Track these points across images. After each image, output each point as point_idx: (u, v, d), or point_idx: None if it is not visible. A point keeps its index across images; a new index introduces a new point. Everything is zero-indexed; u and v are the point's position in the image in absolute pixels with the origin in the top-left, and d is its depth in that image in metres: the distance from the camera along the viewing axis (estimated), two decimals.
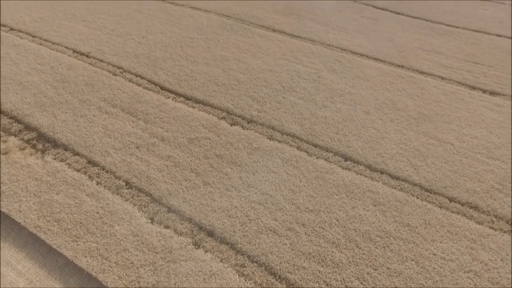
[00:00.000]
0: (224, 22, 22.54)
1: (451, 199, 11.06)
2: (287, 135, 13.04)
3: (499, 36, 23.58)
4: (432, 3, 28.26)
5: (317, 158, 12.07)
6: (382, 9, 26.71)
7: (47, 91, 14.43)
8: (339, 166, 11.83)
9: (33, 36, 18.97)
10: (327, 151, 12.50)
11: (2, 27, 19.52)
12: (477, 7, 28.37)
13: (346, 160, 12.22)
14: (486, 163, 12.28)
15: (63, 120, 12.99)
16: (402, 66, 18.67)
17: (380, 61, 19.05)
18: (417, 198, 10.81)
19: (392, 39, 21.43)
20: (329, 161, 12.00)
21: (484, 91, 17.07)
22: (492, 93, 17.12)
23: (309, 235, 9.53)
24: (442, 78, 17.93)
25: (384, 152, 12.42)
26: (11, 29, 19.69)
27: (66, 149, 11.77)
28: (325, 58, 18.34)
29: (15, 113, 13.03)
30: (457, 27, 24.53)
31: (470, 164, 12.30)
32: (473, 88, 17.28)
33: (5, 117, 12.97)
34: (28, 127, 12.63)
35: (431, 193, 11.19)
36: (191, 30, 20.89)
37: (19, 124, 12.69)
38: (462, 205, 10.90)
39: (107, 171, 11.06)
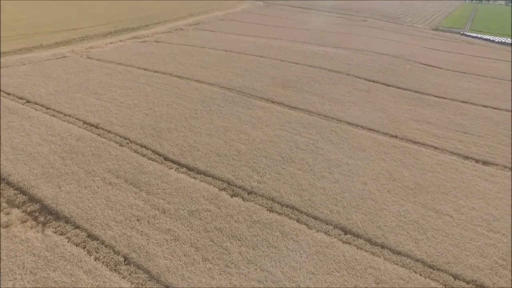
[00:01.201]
0: (226, 94, 24.17)
1: (455, 277, 10.78)
2: (286, 207, 13.20)
3: (485, 106, 25.04)
4: (419, 76, 30.47)
5: (317, 231, 12.07)
6: (373, 81, 28.75)
7: (54, 162, 14.98)
8: (339, 240, 11.78)
9: (47, 108, 20.23)
10: (326, 224, 12.53)
11: (19, 100, 20.90)
12: (462, 80, 30.55)
13: (346, 233, 12.19)
14: (486, 237, 12.23)
15: (67, 192, 13.27)
16: (396, 136, 19.55)
17: (375, 131, 20.00)
18: (420, 275, 10.57)
19: (385, 110, 22.75)
20: (329, 235, 11.97)
21: (477, 161, 17.62)
22: (485, 163, 17.65)
23: None
24: (435, 148, 18.64)
25: (384, 225, 12.45)
26: (28, 101, 21.06)
27: (67, 222, 11.84)
28: (321, 129, 19.30)
29: (21, 184, 13.37)
30: (445, 98, 26.17)
31: (471, 237, 12.24)
32: (466, 158, 17.88)
33: (11, 188, 13.27)
34: (32, 199, 12.85)
35: (434, 269, 10.96)
36: (196, 102, 22.33)
37: (24, 196, 12.94)
38: (467, 283, 10.59)
39: (106, 246, 11.00)
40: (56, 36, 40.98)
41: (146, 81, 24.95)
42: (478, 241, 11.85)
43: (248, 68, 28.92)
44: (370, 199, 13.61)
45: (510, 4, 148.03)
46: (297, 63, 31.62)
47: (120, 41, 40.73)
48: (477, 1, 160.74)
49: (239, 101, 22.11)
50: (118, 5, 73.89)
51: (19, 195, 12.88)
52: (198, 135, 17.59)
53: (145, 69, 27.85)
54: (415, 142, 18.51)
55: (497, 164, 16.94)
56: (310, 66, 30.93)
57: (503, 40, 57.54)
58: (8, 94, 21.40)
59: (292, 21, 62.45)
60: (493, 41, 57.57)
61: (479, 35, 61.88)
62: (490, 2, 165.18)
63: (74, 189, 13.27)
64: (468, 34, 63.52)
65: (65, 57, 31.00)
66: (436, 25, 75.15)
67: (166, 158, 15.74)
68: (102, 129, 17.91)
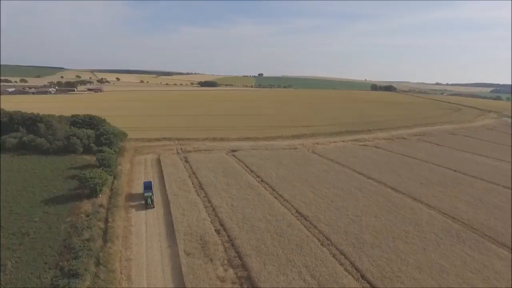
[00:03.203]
0: (449, 224, 20.28)
1: None
2: None
3: None
4: None
5: None
6: None
7: (266, 240, 17.07)
8: None
9: (273, 190, 23.95)
10: None
11: (256, 177, 25.90)
12: None
13: None
14: None
15: (269, 272, 14.44)
16: None
17: None
18: None
19: None
20: None
21: None
22: None
23: None
24: None
25: None
26: (262, 180, 25.65)
27: None
28: None
29: (240, 249, 15.84)
30: None
31: None
32: None
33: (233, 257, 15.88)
34: (245, 266, 14.69)
35: None
36: (407, 223, 20.07)
37: (240, 260, 15.16)
38: None
39: None
40: (293, 130, 50.22)
41: (358, 185, 25.38)
42: None
43: (484, 199, 23.88)
44: None
45: None
46: None
47: (342, 141, 44.64)
48: None
49: (466, 238, 18.15)
50: (345, 110, 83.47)
51: (235, 259, 15.24)
52: (404, 264, 15.45)
53: (359, 173, 28.60)
54: None
55: None
56: None
57: None
58: (251, 171, 27.31)
59: None
60: None
61: None
62: None
63: (275, 271, 14.35)
64: None
65: (295, 148, 36.99)
66: None
67: (363, 276, 14.57)
68: (310, 222, 19.14)
